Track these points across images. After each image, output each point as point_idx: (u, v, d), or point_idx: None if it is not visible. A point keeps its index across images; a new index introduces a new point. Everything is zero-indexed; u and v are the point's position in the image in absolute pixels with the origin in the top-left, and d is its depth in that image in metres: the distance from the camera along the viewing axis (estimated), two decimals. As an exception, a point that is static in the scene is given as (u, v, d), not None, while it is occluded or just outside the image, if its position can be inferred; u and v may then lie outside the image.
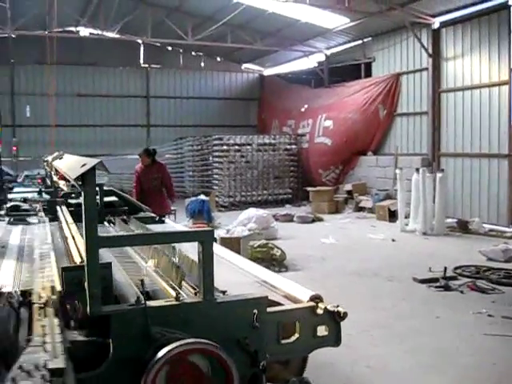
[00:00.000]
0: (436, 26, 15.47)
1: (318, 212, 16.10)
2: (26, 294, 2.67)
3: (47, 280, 2.69)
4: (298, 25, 19.02)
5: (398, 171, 13.66)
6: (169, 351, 1.91)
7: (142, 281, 2.25)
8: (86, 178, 2.01)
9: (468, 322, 6.27)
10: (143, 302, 2.13)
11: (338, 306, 2.54)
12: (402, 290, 7.79)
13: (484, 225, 12.82)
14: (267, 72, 26.29)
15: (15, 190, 9.45)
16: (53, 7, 13.60)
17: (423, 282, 7.97)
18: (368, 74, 19.20)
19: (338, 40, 20.28)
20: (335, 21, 17.88)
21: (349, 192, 17.58)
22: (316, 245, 11.40)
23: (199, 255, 2.23)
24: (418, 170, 12.93)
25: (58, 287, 2.48)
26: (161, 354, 1.91)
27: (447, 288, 7.66)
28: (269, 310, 2.39)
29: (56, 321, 2.11)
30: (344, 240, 11.92)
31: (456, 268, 8.63)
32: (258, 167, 19.50)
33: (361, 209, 16.53)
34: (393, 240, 11.80)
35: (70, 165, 2.72)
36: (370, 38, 18.85)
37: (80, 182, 2.03)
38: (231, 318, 2.27)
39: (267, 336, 2.36)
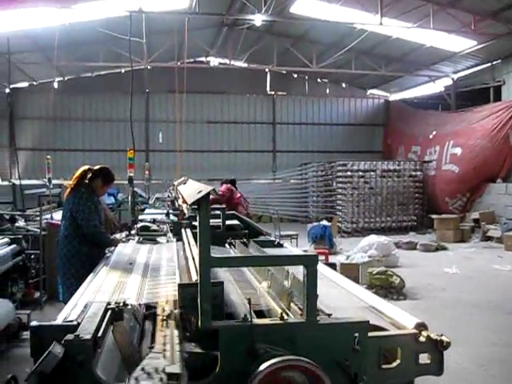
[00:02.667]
0: None
1: (443, 240, 15.66)
2: (149, 307, 2.94)
3: (171, 295, 2.93)
4: (423, 49, 18.79)
5: (528, 200, 13.05)
6: (270, 365, 2.04)
7: (249, 300, 2.41)
8: (201, 203, 2.22)
9: None
10: (249, 319, 2.29)
11: (441, 335, 2.53)
12: (527, 325, 7.43)
13: None
14: (393, 97, 26.05)
15: (146, 211, 10.04)
16: (184, 40, 14.37)
17: (551, 317, 7.57)
18: (497, 98, 18.51)
19: (465, 63, 19.75)
20: (462, 44, 17.50)
21: (476, 220, 16.94)
22: (438, 274, 11.11)
23: (304, 278, 2.35)
24: (550, 198, 12.28)
25: (180, 302, 2.72)
26: (262, 367, 2.05)
27: None
28: (370, 334, 2.43)
29: (176, 332, 2.32)
30: (467, 270, 11.51)
31: None
32: (381, 193, 19.32)
33: (488, 238, 15.86)
34: (521, 272, 11.27)
35: (190, 190, 2.96)
36: (499, 61, 18.23)
37: (196, 207, 2.25)
38: (332, 339, 2.34)
39: (368, 360, 2.40)
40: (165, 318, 2.53)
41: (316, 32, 18.70)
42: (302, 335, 2.32)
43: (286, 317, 2.41)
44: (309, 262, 2.32)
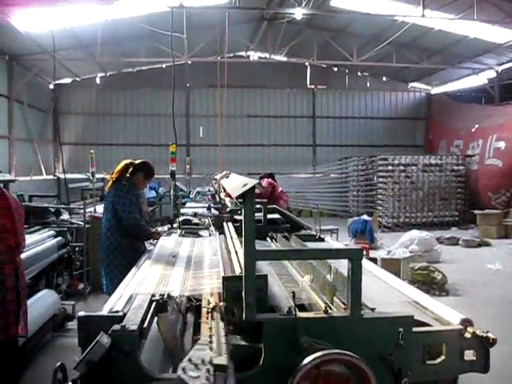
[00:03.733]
0: None
1: (486, 236, 15.39)
2: (191, 300, 2.98)
3: (215, 288, 2.96)
4: (466, 41, 18.43)
5: None
6: (314, 359, 2.05)
7: (293, 293, 2.42)
8: (246, 196, 2.23)
9: None
10: (294, 312, 2.30)
11: (487, 332, 2.50)
12: None
13: None
14: (434, 90, 25.65)
15: (187, 205, 10.13)
16: (224, 35, 14.41)
17: None
18: (544, 91, 18.08)
19: (510, 55, 19.31)
20: (506, 35, 17.08)
21: (520, 216, 16.59)
22: (480, 270, 10.92)
23: (348, 272, 2.35)
24: None
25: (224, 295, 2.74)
26: (306, 360, 2.06)
27: None
28: (415, 329, 2.42)
29: (222, 324, 2.35)
30: (511, 266, 11.27)
31: None
32: (423, 188, 19.08)
33: (534, 234, 15.54)
34: None
35: (234, 184, 2.97)
36: (545, 52, 17.76)
37: (241, 200, 2.27)
38: (377, 334, 2.34)
39: (412, 355, 2.39)
40: (210, 310, 2.55)
41: (356, 25, 18.53)
42: (345, 329, 2.32)
43: (329, 310, 2.42)
44: (354, 256, 2.32)
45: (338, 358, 2.09)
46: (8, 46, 17.45)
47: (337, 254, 2.75)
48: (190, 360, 1.84)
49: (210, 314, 2.48)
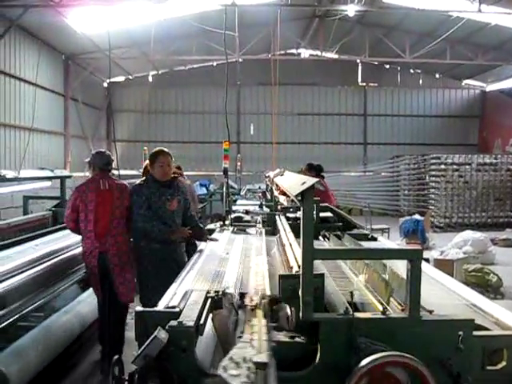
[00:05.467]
0: None
1: (542, 238, 14.96)
2: (243, 296, 2.98)
3: (260, 286, 2.96)
4: (524, 36, 17.89)
5: None
6: (372, 360, 2.03)
7: (351, 293, 2.40)
8: (305, 195, 2.22)
9: None
10: (351, 312, 2.28)
11: (552, 338, 2.43)
12: None
13: None
14: (489, 88, 25.03)
15: (238, 202, 10.19)
16: (275, 32, 14.41)
17: None
18: None
19: None
20: None
21: None
22: (538, 273, 10.62)
23: (407, 273, 2.30)
24: None
25: (268, 292, 2.74)
26: (364, 362, 2.03)
27: None
28: (475, 333, 2.37)
29: (264, 322, 2.34)
30: None
31: None
32: (477, 188, 18.68)
33: None
34: None
35: (291, 182, 2.96)
36: None
37: (299, 198, 2.25)
38: (435, 336, 2.30)
39: (471, 360, 2.33)
40: (253, 307, 2.56)
41: (409, 21, 18.27)
42: (403, 331, 2.29)
43: (387, 311, 2.38)
44: (413, 257, 2.28)
45: (397, 361, 2.06)
46: (64, 46, 17.90)
47: (396, 254, 2.71)
48: (231, 358, 1.85)
49: (253, 312, 2.49)
